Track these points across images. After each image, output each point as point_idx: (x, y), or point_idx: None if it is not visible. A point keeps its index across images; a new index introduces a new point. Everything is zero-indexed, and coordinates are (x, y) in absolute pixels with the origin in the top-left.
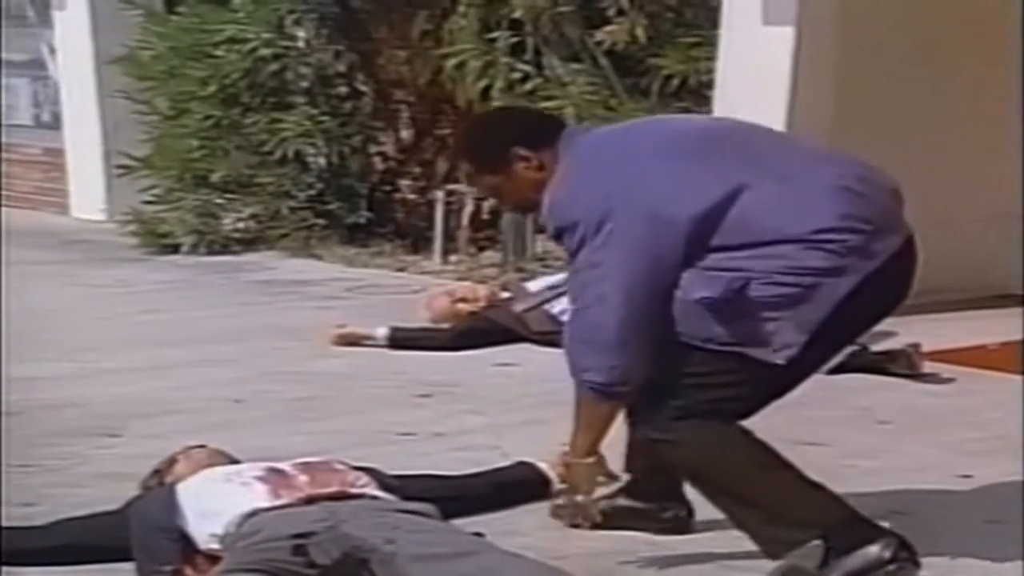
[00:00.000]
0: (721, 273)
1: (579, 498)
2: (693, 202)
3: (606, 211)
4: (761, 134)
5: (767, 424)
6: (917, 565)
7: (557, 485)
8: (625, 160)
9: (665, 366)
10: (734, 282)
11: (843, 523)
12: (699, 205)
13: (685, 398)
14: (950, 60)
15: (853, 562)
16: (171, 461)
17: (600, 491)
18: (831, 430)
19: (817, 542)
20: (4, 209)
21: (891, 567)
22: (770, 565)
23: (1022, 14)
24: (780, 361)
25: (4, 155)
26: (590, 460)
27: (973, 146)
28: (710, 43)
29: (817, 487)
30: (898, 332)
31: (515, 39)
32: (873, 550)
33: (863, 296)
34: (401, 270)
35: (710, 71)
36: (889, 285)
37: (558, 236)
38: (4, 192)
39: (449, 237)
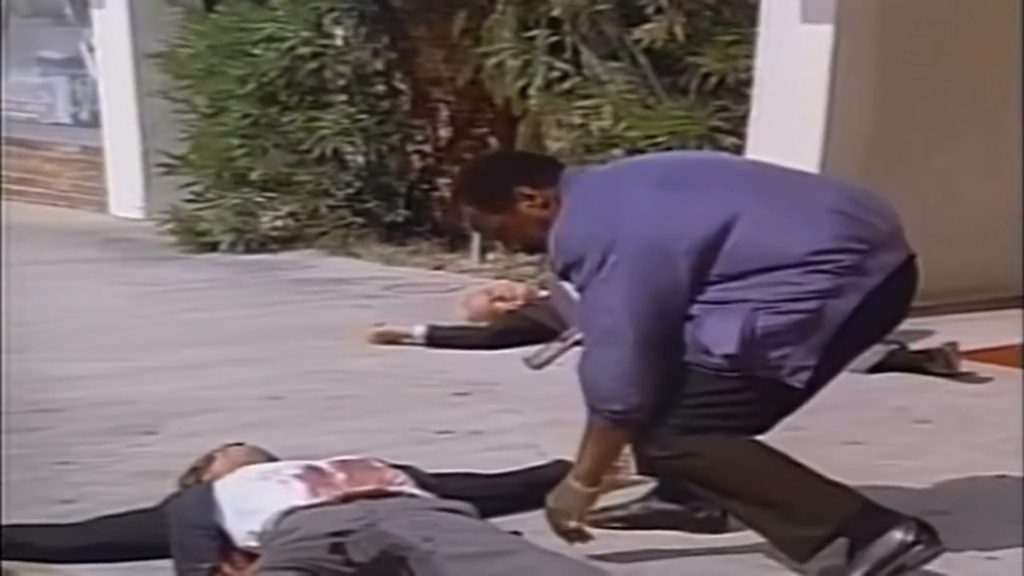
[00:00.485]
0: (729, 306)
1: (571, 523)
2: (691, 232)
3: (609, 244)
4: (752, 164)
5: (806, 424)
6: (940, 544)
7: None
8: (624, 194)
9: (671, 387)
10: (747, 325)
11: (859, 513)
12: (697, 234)
13: (689, 417)
14: (991, 59)
15: (879, 550)
16: (208, 459)
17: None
18: (870, 430)
19: (841, 540)
20: (41, 207)
21: (916, 548)
22: None
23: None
24: (799, 385)
25: (42, 153)
26: (591, 489)
27: (1015, 145)
28: (748, 41)
29: (828, 481)
30: (935, 331)
31: (553, 37)
32: (896, 535)
33: (865, 314)
34: (439, 268)
35: (748, 69)
36: (890, 302)
37: (565, 272)
38: (42, 190)
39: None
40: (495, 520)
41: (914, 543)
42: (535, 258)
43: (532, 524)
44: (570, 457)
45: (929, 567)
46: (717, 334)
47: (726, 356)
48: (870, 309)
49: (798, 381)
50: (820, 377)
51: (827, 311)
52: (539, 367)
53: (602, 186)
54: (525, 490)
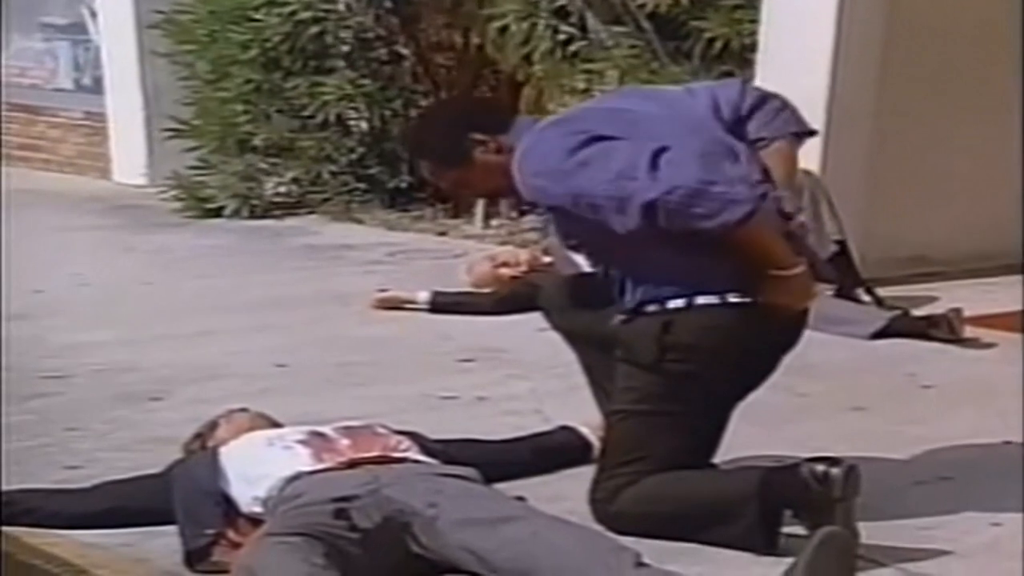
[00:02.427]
0: None
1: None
2: None
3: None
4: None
5: (810, 390)
6: (844, 462)
7: (598, 449)
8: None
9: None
10: None
11: (767, 480)
12: None
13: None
14: (1002, 27)
15: (797, 491)
16: (213, 425)
17: None
18: (874, 396)
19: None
20: (45, 174)
21: (832, 473)
22: None
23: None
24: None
25: (46, 119)
26: (798, 267)
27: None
28: (753, 6)
29: (722, 470)
30: (939, 297)
31: (558, 2)
32: (803, 472)
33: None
34: (443, 234)
35: (753, 34)
36: (777, 331)
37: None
38: (46, 156)
39: (490, 201)
40: (500, 486)
41: (824, 472)
42: (538, 223)
43: (541, 491)
44: (576, 423)
45: (933, 533)
46: None
47: None
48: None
49: None
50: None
51: None
52: None
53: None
54: (530, 456)
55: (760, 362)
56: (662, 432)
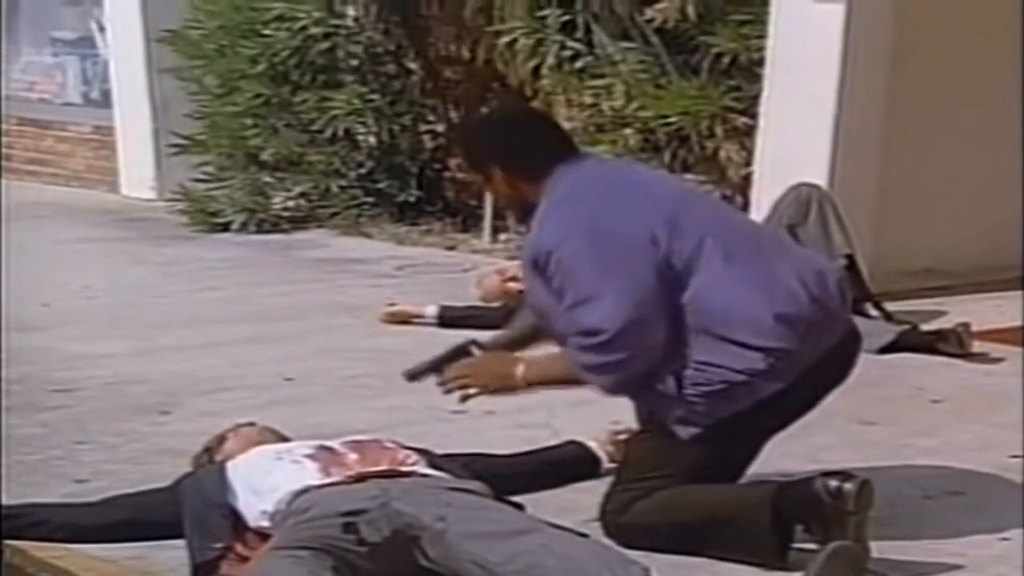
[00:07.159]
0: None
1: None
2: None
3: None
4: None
5: (822, 404)
6: (857, 477)
7: (606, 464)
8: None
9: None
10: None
11: (781, 493)
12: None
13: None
14: (1006, 35)
15: (810, 502)
16: (221, 439)
17: None
18: (886, 409)
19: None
20: (53, 188)
21: (845, 487)
22: None
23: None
24: (683, 436)
25: (55, 133)
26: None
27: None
28: (761, 20)
29: (736, 484)
30: (948, 311)
31: (565, 17)
32: (817, 486)
33: (795, 389)
34: (451, 248)
35: (761, 48)
36: (826, 373)
37: (539, 262)
38: (55, 170)
39: (499, 215)
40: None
41: (837, 487)
42: None
43: (551, 503)
44: (585, 437)
45: (942, 547)
46: None
47: None
48: (801, 384)
49: (687, 434)
50: (742, 448)
51: (744, 388)
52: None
53: (598, 183)
54: (539, 469)
55: (800, 399)
56: (689, 456)
